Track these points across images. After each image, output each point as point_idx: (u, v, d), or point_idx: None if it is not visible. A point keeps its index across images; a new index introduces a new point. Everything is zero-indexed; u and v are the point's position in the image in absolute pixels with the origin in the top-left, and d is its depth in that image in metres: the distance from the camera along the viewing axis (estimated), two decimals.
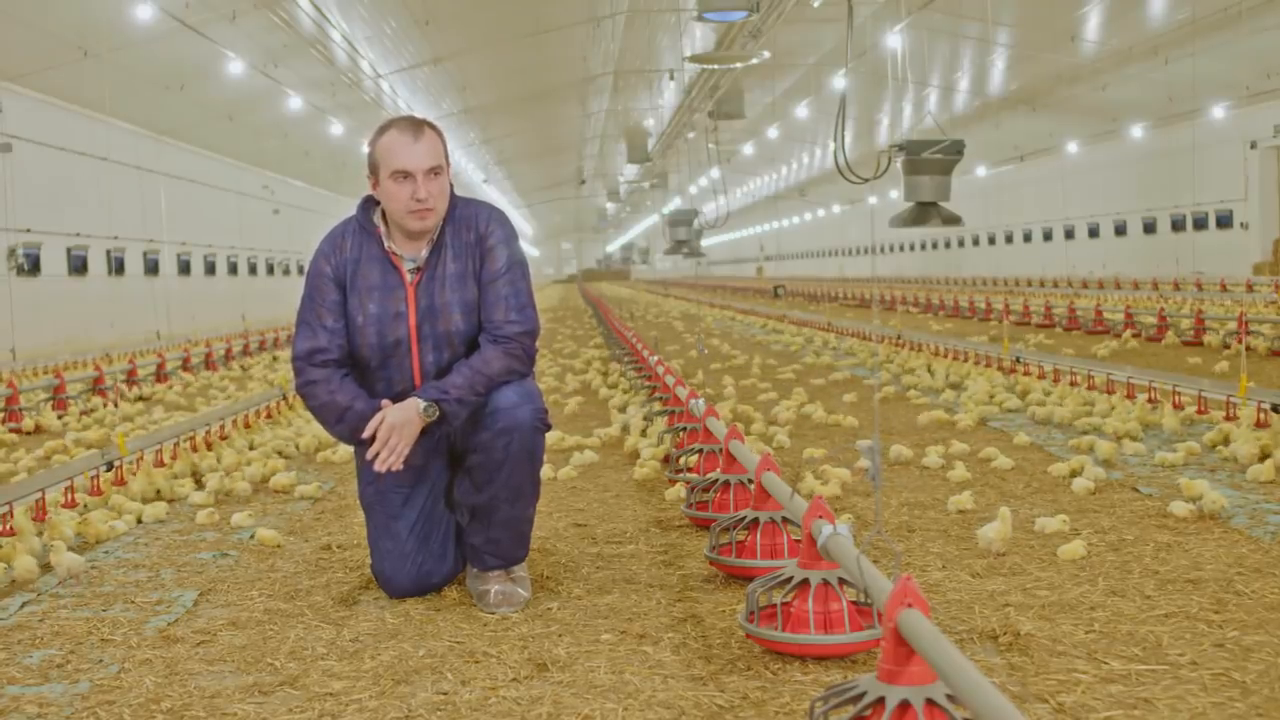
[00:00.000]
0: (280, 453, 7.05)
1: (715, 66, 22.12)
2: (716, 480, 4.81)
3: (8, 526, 4.72)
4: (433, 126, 3.93)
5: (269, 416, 8.59)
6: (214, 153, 25.98)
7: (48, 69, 17.49)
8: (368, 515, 4.06)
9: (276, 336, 19.29)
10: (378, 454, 3.78)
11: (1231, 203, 27.57)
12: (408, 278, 3.93)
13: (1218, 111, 24.89)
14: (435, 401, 3.79)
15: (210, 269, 25.98)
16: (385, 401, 3.86)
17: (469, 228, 3.98)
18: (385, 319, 3.91)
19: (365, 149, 3.99)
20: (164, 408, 10.27)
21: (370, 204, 4.02)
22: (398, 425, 3.77)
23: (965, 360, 11.01)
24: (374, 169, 3.91)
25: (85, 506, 5.51)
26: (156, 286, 22.53)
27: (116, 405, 10.38)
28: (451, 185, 4.02)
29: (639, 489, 5.90)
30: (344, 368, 3.95)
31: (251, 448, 7.19)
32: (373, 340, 3.90)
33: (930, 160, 11.81)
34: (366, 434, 3.80)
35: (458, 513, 4.03)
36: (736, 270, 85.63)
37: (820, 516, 3.30)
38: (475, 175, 45.76)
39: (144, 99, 20.81)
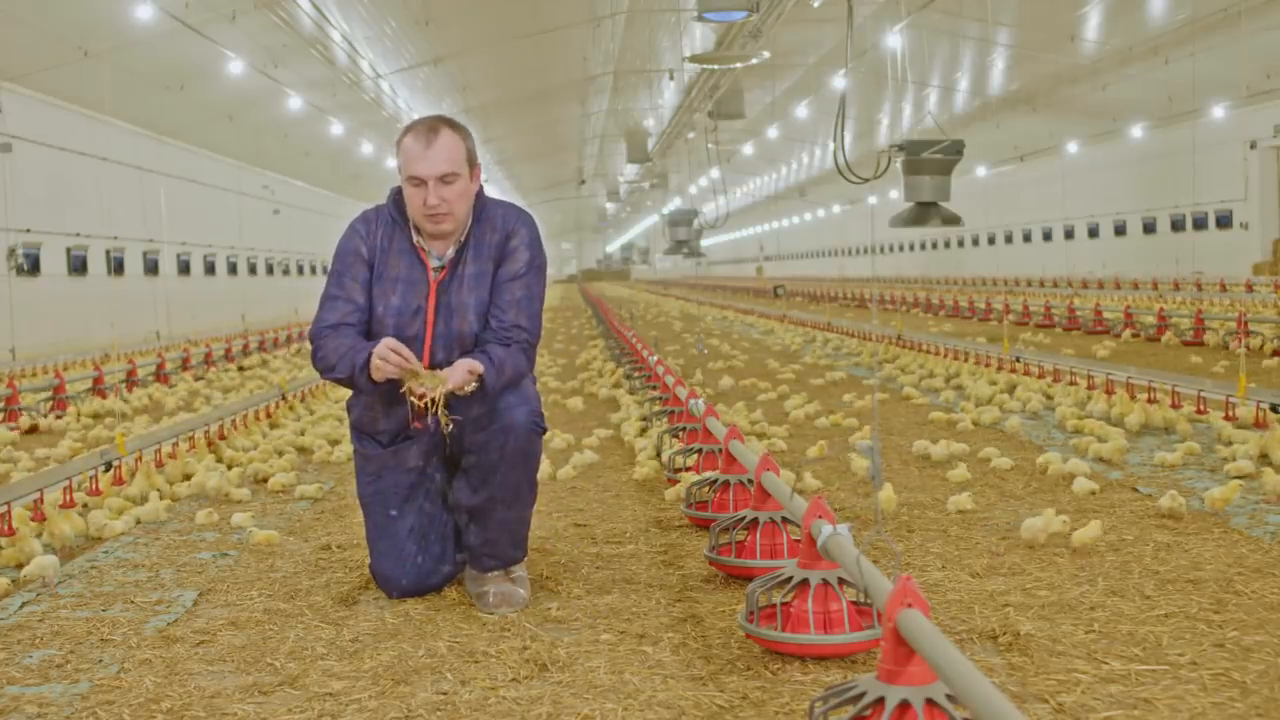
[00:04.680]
0: (280, 453, 7.05)
1: (715, 66, 22.12)
2: (716, 479, 4.81)
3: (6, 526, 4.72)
4: (454, 127, 3.89)
5: (269, 416, 8.58)
6: (214, 153, 25.97)
7: (48, 69, 17.49)
8: (366, 515, 4.06)
9: (276, 337, 19.29)
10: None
11: (1231, 203, 27.55)
12: (432, 274, 3.93)
13: (1218, 111, 24.86)
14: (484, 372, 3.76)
15: (210, 269, 25.97)
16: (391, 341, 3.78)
17: (495, 228, 3.97)
18: (405, 312, 3.90)
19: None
20: (163, 408, 10.26)
21: (401, 195, 3.98)
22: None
23: (965, 360, 11.00)
24: (399, 169, 3.92)
25: (86, 506, 5.51)
26: (156, 286, 22.53)
27: (124, 401, 10.37)
28: (482, 186, 4.01)
29: (639, 489, 5.89)
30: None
31: (253, 448, 7.19)
32: (390, 332, 3.88)
33: (930, 160, 11.83)
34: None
35: (456, 514, 4.04)
36: (736, 270, 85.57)
37: (820, 516, 3.30)
38: None
39: (144, 99, 20.81)
